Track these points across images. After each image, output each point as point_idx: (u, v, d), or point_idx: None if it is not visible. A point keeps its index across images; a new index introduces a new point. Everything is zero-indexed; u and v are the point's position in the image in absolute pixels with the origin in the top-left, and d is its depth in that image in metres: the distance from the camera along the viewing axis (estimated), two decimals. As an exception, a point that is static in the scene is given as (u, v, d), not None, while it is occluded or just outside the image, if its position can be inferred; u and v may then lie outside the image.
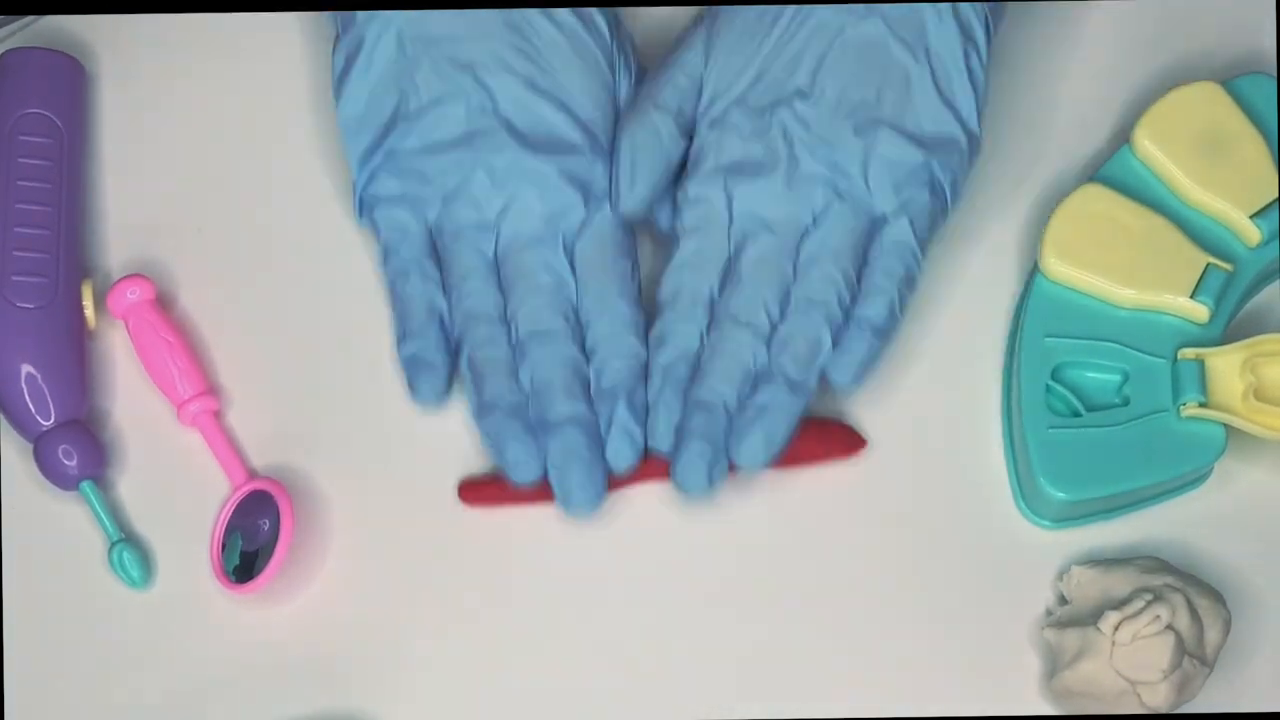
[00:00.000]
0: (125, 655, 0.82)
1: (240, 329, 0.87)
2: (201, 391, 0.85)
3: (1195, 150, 0.85)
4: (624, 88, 0.87)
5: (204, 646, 0.82)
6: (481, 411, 0.82)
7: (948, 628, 0.82)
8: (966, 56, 0.84)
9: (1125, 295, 0.83)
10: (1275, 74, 0.87)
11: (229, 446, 0.85)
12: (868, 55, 0.84)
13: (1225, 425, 0.81)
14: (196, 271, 0.88)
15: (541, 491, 0.82)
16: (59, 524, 0.84)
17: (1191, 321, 0.83)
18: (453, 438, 0.85)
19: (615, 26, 0.87)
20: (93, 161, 0.90)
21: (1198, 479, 0.84)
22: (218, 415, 0.85)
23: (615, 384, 0.82)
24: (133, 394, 0.86)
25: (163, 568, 0.84)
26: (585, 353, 0.83)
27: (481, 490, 0.84)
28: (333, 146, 0.89)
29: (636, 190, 0.85)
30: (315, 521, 0.84)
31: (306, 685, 0.82)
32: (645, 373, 0.83)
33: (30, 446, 0.84)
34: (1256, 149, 0.85)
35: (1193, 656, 0.78)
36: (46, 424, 0.83)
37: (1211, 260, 0.83)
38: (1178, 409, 0.82)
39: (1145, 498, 0.83)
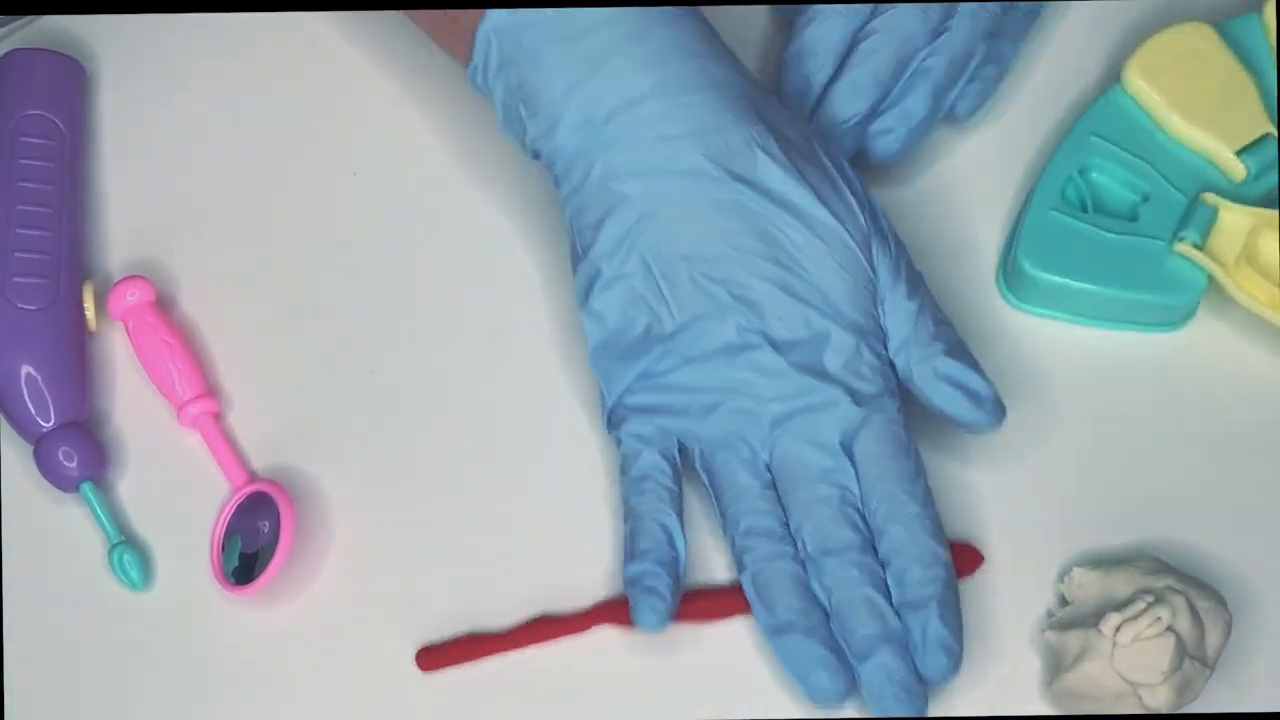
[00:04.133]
0: (125, 657, 0.82)
1: (240, 329, 0.87)
2: (201, 393, 0.85)
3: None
4: (884, 268, 0.82)
5: (204, 648, 0.82)
6: (777, 632, 0.79)
7: (948, 629, 0.82)
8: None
9: (1179, 127, 0.86)
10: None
11: (229, 448, 0.85)
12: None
13: (1209, 275, 0.84)
14: (196, 272, 0.88)
15: (507, 640, 0.81)
16: (59, 526, 0.84)
17: (1228, 176, 0.86)
18: (454, 438, 0.85)
19: (866, 203, 0.83)
20: (93, 162, 0.90)
21: (1171, 320, 0.86)
22: (218, 417, 0.85)
23: (923, 595, 0.79)
24: (133, 396, 0.86)
25: (163, 570, 0.84)
26: (879, 561, 0.80)
27: (440, 653, 0.82)
28: (333, 146, 0.89)
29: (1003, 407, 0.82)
30: (315, 523, 0.84)
31: (306, 686, 0.82)
32: (950, 576, 0.79)
33: (31, 448, 0.84)
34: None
35: (1194, 658, 0.78)
36: (47, 425, 0.83)
37: (1272, 131, 0.86)
38: (1173, 242, 0.84)
39: (1113, 315, 0.86)
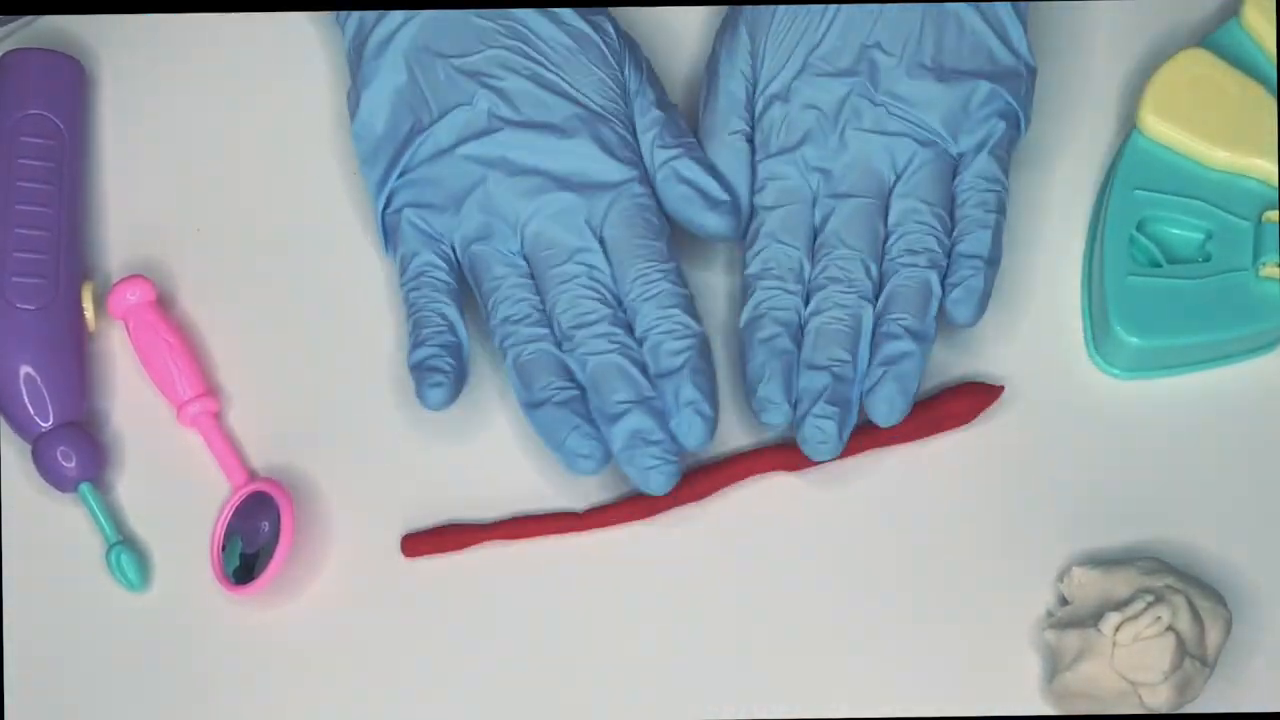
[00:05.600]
0: (125, 657, 0.82)
1: (240, 329, 0.87)
2: (201, 392, 0.85)
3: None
4: (633, 81, 0.86)
5: (203, 648, 0.82)
6: (532, 407, 0.82)
7: (948, 628, 0.82)
8: None
9: (1217, 156, 0.85)
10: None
11: (229, 448, 0.85)
12: (917, 8, 0.85)
13: None
14: (196, 271, 0.88)
15: (489, 531, 0.82)
16: (57, 525, 0.84)
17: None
18: (457, 438, 0.85)
19: (618, 27, 0.87)
20: (93, 161, 0.90)
21: (1269, 342, 0.85)
22: (218, 416, 0.85)
23: (675, 364, 0.81)
24: (132, 395, 0.86)
25: (163, 569, 0.84)
26: (635, 338, 0.82)
27: (426, 540, 0.83)
28: (333, 146, 0.89)
29: (741, 213, 0.85)
30: (315, 522, 0.84)
31: (306, 685, 0.82)
32: (704, 349, 0.82)
33: (29, 448, 0.84)
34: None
35: (1194, 657, 0.78)
36: (45, 425, 0.83)
37: None
38: (1257, 268, 0.84)
39: (1216, 355, 0.85)
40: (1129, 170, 0.86)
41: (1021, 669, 0.81)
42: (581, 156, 0.84)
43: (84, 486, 0.83)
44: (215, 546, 0.83)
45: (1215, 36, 0.88)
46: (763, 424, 0.82)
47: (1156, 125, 0.86)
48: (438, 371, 0.82)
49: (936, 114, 0.84)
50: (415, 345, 0.83)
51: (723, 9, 0.89)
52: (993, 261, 0.83)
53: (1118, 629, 0.78)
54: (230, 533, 0.83)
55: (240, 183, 0.90)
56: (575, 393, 0.82)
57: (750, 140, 0.86)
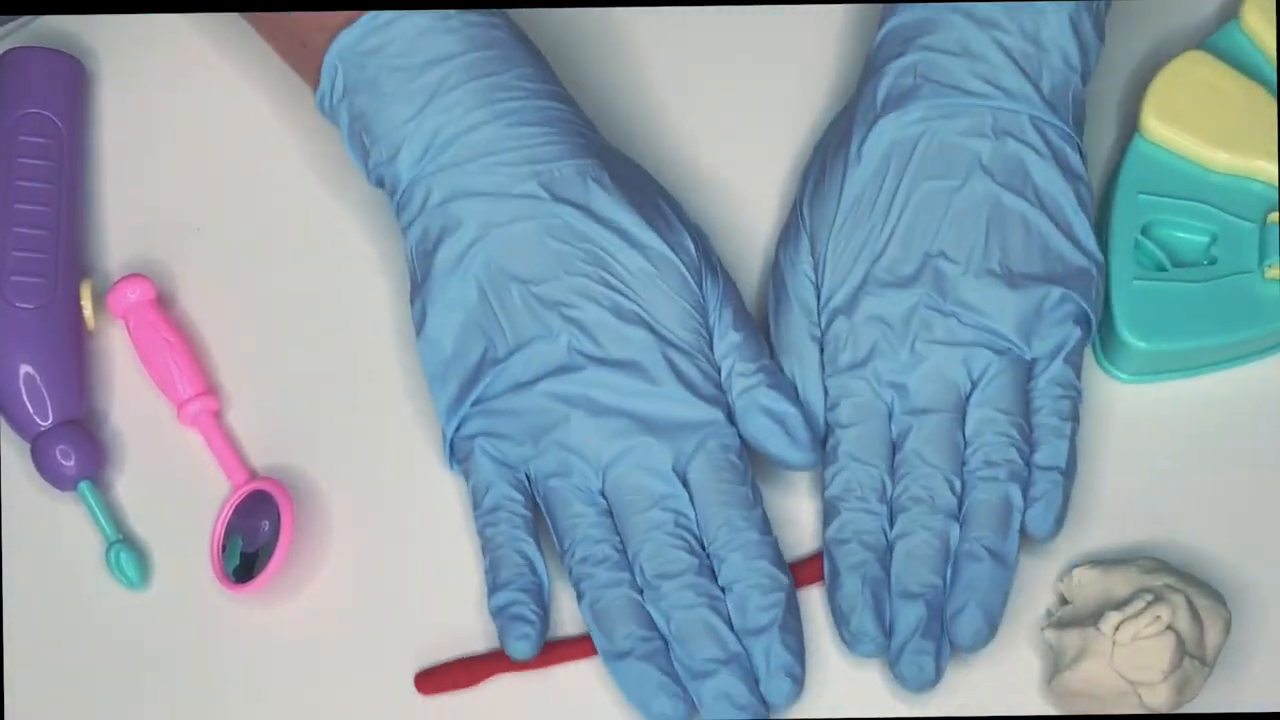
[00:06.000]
0: (125, 656, 0.82)
1: (240, 329, 0.87)
2: (201, 391, 0.85)
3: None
4: (711, 298, 0.83)
5: (202, 647, 0.82)
6: (615, 658, 0.79)
7: (948, 628, 0.82)
8: (1076, 190, 0.83)
9: (1220, 159, 0.85)
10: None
11: (229, 447, 0.85)
12: (982, 212, 0.83)
13: None
14: (196, 271, 0.88)
15: (501, 663, 0.81)
16: (57, 524, 0.84)
17: None
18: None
19: (699, 239, 0.84)
20: (93, 161, 0.90)
21: (1275, 344, 0.85)
22: (218, 415, 0.85)
23: (763, 621, 0.79)
24: (132, 394, 0.86)
25: (163, 568, 0.84)
26: (720, 586, 0.80)
27: (441, 677, 0.82)
28: (333, 146, 0.89)
29: (820, 444, 0.83)
30: (315, 522, 0.84)
31: (306, 685, 0.82)
32: (791, 602, 0.80)
33: (28, 446, 0.84)
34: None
35: (1193, 657, 0.78)
36: (44, 424, 0.83)
37: None
38: (1263, 270, 0.84)
39: (1223, 358, 0.85)
40: (1132, 174, 0.86)
41: (1021, 669, 0.81)
42: (667, 399, 0.81)
43: (83, 485, 0.83)
44: (215, 545, 0.83)
45: (1215, 39, 0.88)
46: (854, 654, 0.80)
47: (1158, 129, 0.86)
48: (524, 622, 0.80)
49: (1009, 322, 0.82)
50: (496, 588, 0.80)
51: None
52: (1069, 474, 0.81)
53: (1117, 628, 0.77)
54: (230, 532, 0.83)
55: (240, 182, 0.90)
56: (659, 644, 0.79)
57: (822, 349, 0.84)
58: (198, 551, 0.83)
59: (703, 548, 0.80)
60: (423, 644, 0.82)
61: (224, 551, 0.82)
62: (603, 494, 0.81)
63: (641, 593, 0.80)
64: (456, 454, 0.83)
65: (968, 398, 0.82)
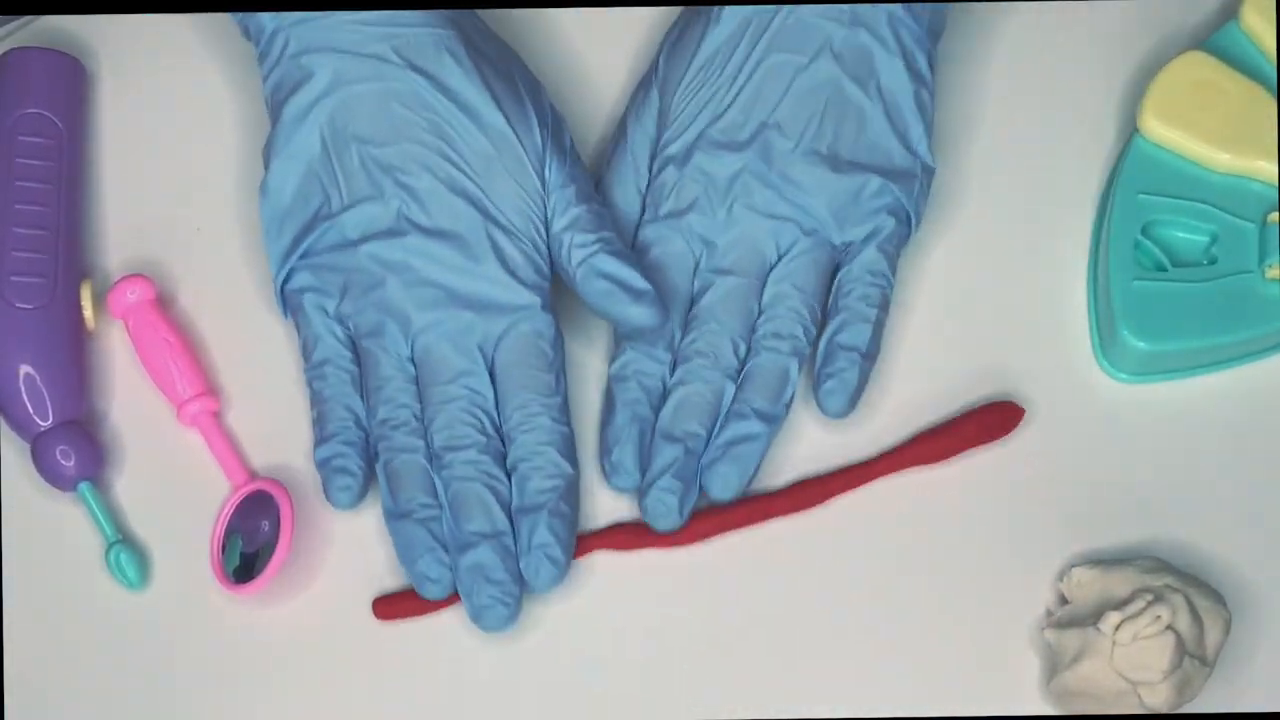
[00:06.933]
0: (124, 656, 0.82)
1: (240, 329, 0.87)
2: (201, 391, 0.85)
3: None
4: (554, 175, 0.84)
5: (202, 647, 0.82)
6: (395, 517, 0.82)
7: (948, 628, 0.82)
8: (916, 92, 0.85)
9: (1220, 159, 0.85)
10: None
11: (229, 447, 0.85)
12: (822, 94, 0.85)
13: None
14: (196, 271, 0.88)
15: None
16: (57, 525, 0.84)
17: None
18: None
19: (553, 122, 0.85)
20: (93, 161, 0.90)
21: (1275, 344, 0.85)
22: (217, 415, 0.85)
23: (536, 502, 0.81)
24: (132, 394, 0.86)
25: (163, 568, 0.83)
26: (506, 467, 0.82)
27: (398, 604, 0.82)
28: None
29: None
30: (315, 522, 0.84)
31: (306, 685, 0.82)
32: (570, 491, 0.81)
33: (28, 447, 0.84)
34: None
35: (1193, 657, 0.78)
36: (44, 424, 0.83)
37: None
38: (1263, 270, 0.84)
39: (1223, 358, 0.85)
40: (1132, 174, 0.86)
41: (1021, 669, 0.81)
42: (483, 278, 0.83)
43: (83, 485, 0.83)
44: (215, 546, 0.83)
45: (1214, 39, 0.88)
46: (610, 486, 0.83)
47: (1158, 129, 0.86)
48: (346, 474, 0.82)
49: (824, 203, 0.84)
50: (321, 440, 0.83)
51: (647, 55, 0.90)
52: (870, 356, 0.83)
53: (1117, 628, 0.77)
54: (230, 532, 0.83)
55: (240, 182, 0.90)
56: (437, 512, 0.81)
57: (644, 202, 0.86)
58: (198, 552, 0.83)
59: (497, 430, 0.82)
60: (423, 644, 0.82)
61: (224, 552, 0.83)
62: (412, 361, 0.83)
63: (432, 462, 0.81)
64: (288, 305, 0.85)
65: (771, 269, 0.84)
